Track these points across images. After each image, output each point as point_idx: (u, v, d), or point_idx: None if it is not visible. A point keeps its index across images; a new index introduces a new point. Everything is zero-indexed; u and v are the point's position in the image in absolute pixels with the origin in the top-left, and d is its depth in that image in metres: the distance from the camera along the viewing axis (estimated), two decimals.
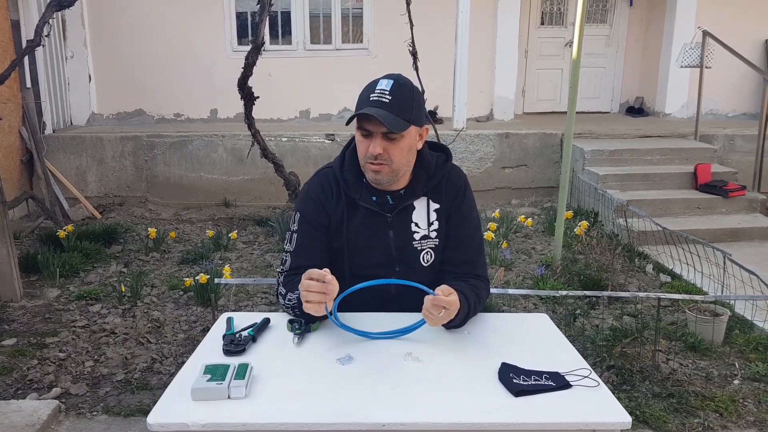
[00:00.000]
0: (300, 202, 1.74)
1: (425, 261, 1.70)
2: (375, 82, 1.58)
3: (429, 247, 1.70)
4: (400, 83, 1.57)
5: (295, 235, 1.70)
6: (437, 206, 1.70)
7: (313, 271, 1.46)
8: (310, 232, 1.68)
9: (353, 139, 1.68)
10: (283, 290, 1.67)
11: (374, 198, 1.67)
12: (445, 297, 1.46)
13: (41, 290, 3.90)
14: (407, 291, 1.57)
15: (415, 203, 1.69)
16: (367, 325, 1.58)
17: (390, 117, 1.51)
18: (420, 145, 1.66)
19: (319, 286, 1.44)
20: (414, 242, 1.69)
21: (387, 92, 1.54)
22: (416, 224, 1.69)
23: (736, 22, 6.97)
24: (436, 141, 1.87)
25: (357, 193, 1.67)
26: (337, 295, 1.47)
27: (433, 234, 1.70)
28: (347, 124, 1.61)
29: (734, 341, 3.19)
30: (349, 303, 1.63)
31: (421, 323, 1.54)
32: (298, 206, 1.74)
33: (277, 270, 1.74)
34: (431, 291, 1.47)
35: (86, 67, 6.74)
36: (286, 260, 1.72)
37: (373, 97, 1.54)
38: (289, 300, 1.62)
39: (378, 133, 1.55)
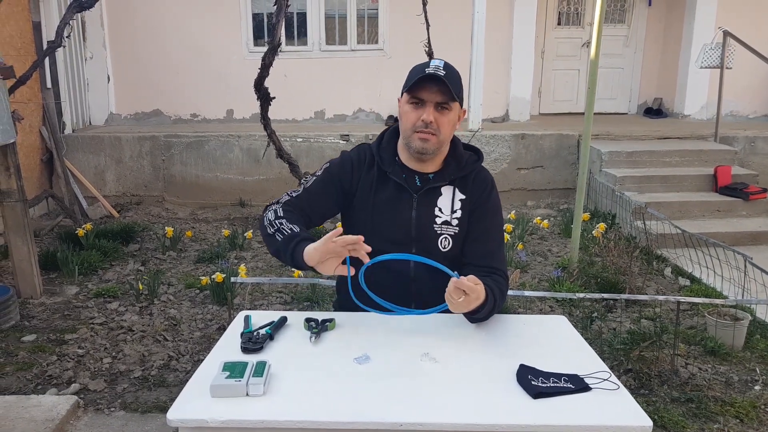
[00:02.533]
0: (333, 160, 1.82)
1: (443, 246, 1.72)
2: (426, 62, 1.67)
3: (448, 234, 1.73)
4: (449, 64, 1.66)
5: (313, 179, 1.78)
6: (463, 197, 1.75)
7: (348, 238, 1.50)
8: (322, 186, 1.75)
9: (390, 126, 1.80)
10: (280, 212, 1.68)
11: (404, 176, 1.74)
12: (469, 283, 1.46)
13: (60, 287, 3.95)
14: (426, 274, 1.64)
15: (443, 189, 1.75)
16: (382, 322, 1.57)
17: (448, 87, 1.60)
18: (458, 126, 1.73)
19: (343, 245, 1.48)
20: (435, 225, 1.72)
21: (441, 68, 1.63)
22: (440, 209, 1.73)
23: (757, 22, 6.87)
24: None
25: (389, 167, 1.74)
26: (363, 265, 1.53)
27: (455, 222, 1.73)
28: (406, 90, 1.66)
29: (755, 346, 3.14)
30: (368, 283, 1.65)
31: (444, 306, 1.54)
32: (330, 161, 1.81)
33: (285, 192, 1.80)
34: (454, 273, 1.49)
35: (105, 68, 6.83)
36: (296, 192, 1.76)
37: (429, 70, 1.62)
38: (280, 224, 1.63)
39: (431, 103, 1.63)
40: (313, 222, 1.77)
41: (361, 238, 1.49)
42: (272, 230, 1.65)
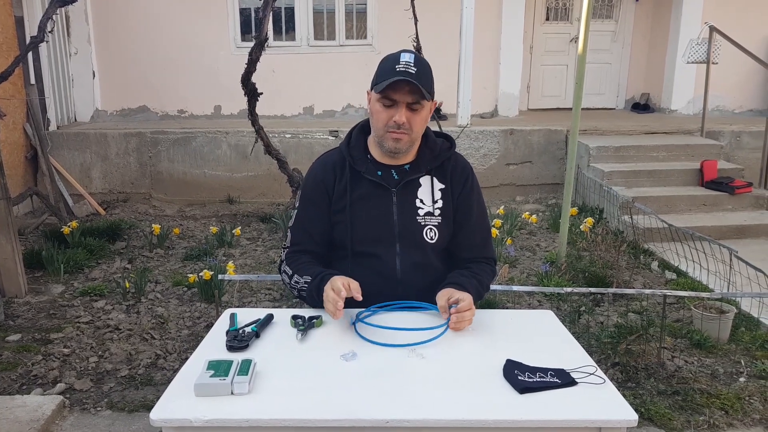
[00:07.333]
0: (303, 182, 1.85)
1: (429, 238, 1.72)
2: (397, 55, 1.62)
3: (432, 225, 1.72)
4: (419, 57, 1.63)
5: (295, 212, 1.81)
6: (442, 186, 1.75)
7: (336, 284, 1.54)
8: (309, 209, 1.77)
9: (357, 124, 1.80)
10: (288, 270, 1.75)
11: (379, 173, 1.72)
12: (465, 306, 1.54)
13: (46, 286, 3.91)
14: (412, 275, 1.69)
15: (421, 180, 1.74)
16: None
17: (419, 87, 1.57)
18: (428, 118, 1.72)
19: (335, 300, 1.52)
20: (418, 217, 1.72)
21: (412, 64, 1.58)
22: (421, 200, 1.73)
23: (742, 17, 6.92)
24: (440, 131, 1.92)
25: (362, 166, 1.72)
26: (359, 311, 1.59)
27: (437, 212, 1.73)
28: (377, 91, 1.62)
29: (740, 339, 3.17)
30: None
31: (445, 329, 1.54)
32: (302, 186, 1.85)
33: (281, 245, 1.85)
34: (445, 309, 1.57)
35: (90, 64, 6.75)
36: (287, 236, 1.82)
37: (400, 67, 1.58)
38: (296, 282, 1.71)
39: (402, 103, 1.60)
40: (325, 241, 1.77)
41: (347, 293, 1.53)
42: (297, 289, 1.72)
